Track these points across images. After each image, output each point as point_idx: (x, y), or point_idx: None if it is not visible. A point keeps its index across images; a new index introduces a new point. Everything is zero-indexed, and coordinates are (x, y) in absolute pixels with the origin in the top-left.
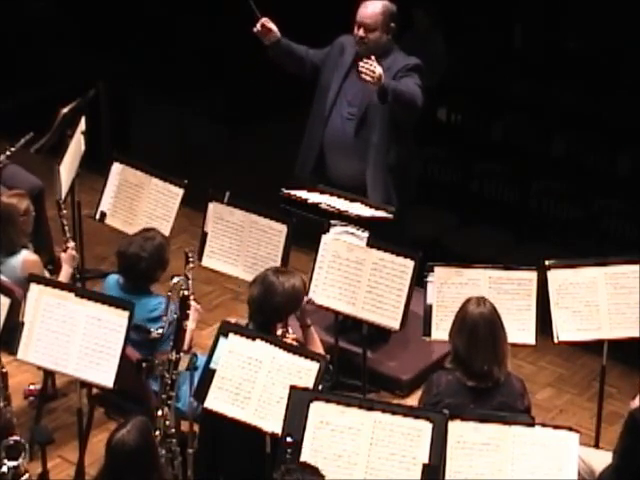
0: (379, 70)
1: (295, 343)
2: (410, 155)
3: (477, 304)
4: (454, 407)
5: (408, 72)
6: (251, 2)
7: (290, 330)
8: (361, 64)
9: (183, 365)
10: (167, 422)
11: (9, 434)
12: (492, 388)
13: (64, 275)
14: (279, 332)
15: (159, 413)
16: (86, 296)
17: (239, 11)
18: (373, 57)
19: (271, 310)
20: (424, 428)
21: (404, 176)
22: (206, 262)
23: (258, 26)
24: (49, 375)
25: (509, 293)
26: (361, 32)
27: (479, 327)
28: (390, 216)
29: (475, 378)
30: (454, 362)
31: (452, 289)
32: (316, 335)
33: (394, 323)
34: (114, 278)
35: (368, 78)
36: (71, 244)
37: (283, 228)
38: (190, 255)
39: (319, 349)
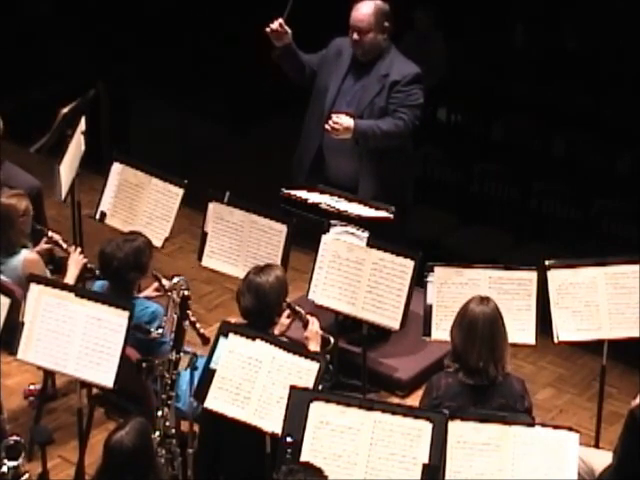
0: (346, 121)
1: (308, 316)
2: (407, 158)
3: (480, 302)
4: (454, 410)
5: (407, 87)
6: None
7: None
8: (327, 125)
9: (183, 365)
10: (167, 423)
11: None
12: (491, 388)
13: (70, 277)
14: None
15: (159, 414)
16: (86, 296)
17: (239, 11)
18: (335, 116)
19: (268, 310)
20: (424, 428)
21: (399, 182)
22: (206, 262)
23: (274, 26)
24: (49, 375)
25: (509, 293)
26: (355, 36)
27: (478, 323)
28: (390, 216)
29: (472, 375)
30: (452, 356)
31: (452, 289)
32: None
33: (394, 323)
34: (99, 284)
35: (336, 135)
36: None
37: (283, 228)
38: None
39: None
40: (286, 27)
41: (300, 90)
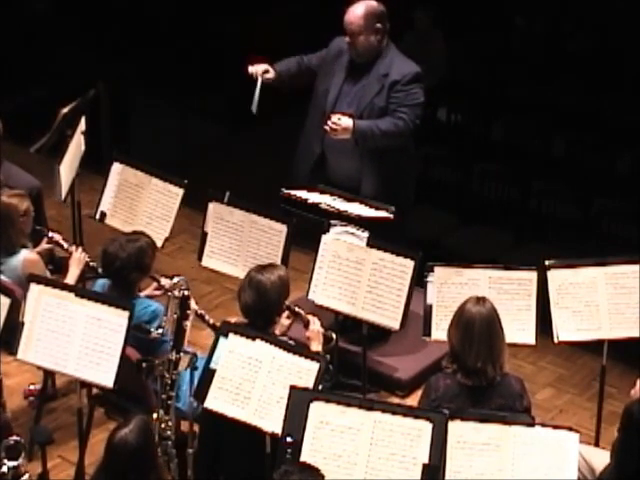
0: (345, 122)
1: (309, 316)
2: (408, 157)
3: (476, 302)
4: (453, 412)
5: (407, 86)
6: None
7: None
8: (327, 126)
9: (183, 365)
10: (163, 424)
11: (7, 437)
12: (489, 389)
13: (71, 277)
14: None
15: (154, 416)
16: (86, 296)
17: (240, 11)
18: (335, 117)
19: (268, 308)
20: (424, 428)
21: (401, 182)
22: (206, 262)
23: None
24: (49, 375)
25: (509, 293)
26: (347, 38)
27: (475, 323)
28: (390, 216)
29: (470, 375)
30: (450, 357)
31: (452, 289)
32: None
33: (394, 323)
34: (100, 282)
35: (335, 135)
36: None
37: (283, 228)
38: None
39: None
40: (267, 74)
41: (300, 90)
